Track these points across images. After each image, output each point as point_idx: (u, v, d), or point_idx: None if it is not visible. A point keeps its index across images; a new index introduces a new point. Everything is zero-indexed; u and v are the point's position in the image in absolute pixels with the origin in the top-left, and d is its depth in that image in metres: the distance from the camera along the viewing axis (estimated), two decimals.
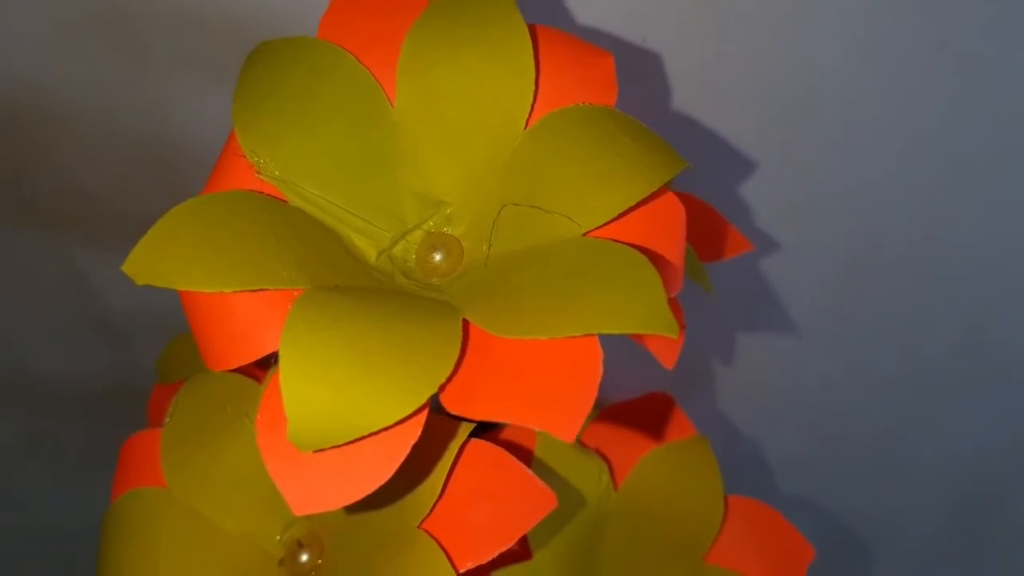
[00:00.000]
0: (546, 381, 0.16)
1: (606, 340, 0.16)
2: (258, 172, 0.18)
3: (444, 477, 0.20)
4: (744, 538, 0.25)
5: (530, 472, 0.20)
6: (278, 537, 0.22)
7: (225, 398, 0.22)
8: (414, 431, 0.16)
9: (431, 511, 0.20)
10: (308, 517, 0.22)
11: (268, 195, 0.18)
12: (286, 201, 0.18)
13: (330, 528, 0.22)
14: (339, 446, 0.15)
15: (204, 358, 0.18)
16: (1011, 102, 0.31)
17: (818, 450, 0.43)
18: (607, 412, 0.27)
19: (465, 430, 0.20)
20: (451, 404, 0.16)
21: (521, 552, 0.24)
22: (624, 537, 0.25)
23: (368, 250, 0.19)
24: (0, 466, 0.44)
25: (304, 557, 0.22)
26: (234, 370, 0.24)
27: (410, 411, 0.15)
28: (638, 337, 0.21)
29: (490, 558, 0.19)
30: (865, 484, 0.44)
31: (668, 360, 0.22)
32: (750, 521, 0.26)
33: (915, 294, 0.37)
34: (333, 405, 0.15)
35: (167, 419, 0.23)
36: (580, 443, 0.25)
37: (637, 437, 0.26)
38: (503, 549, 0.19)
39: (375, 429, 0.15)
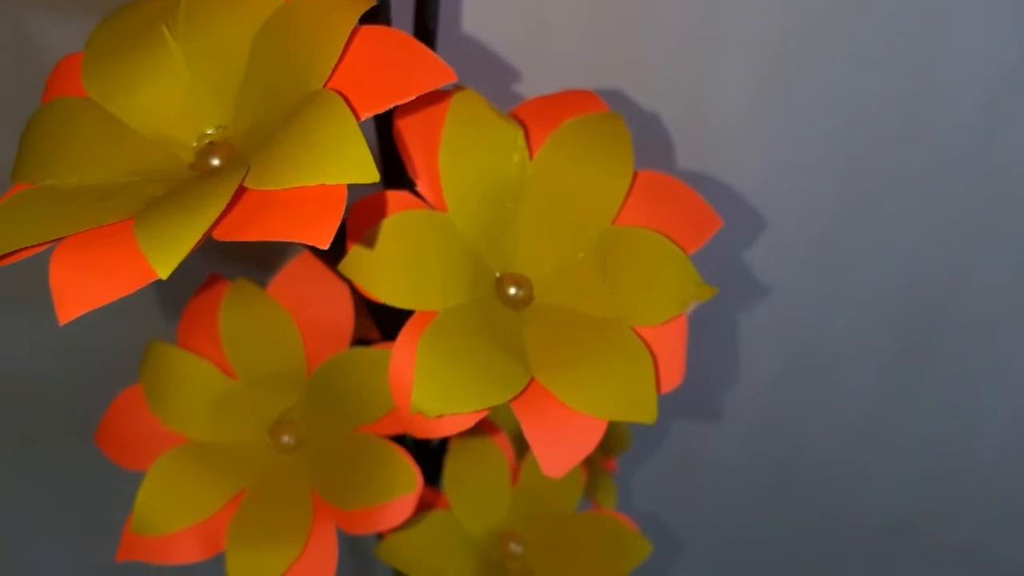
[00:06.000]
0: None
1: None
2: None
3: (343, 43, 0.20)
4: (653, 204, 0.26)
5: (431, 51, 0.21)
6: (194, 144, 0.23)
7: (149, 17, 0.23)
8: None
9: (331, 75, 0.20)
10: (223, 127, 0.23)
11: None
12: None
13: (242, 136, 0.22)
14: None
15: None
16: None
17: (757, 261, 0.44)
18: (529, 101, 0.27)
19: (360, 7, 0.21)
20: None
21: (436, 204, 0.25)
22: (538, 202, 0.26)
23: None
24: None
25: (215, 161, 0.22)
26: None
27: None
28: None
29: (387, 108, 0.20)
30: (812, 303, 0.45)
31: None
32: (660, 189, 0.26)
33: (845, 68, 0.37)
34: None
35: (89, 40, 0.23)
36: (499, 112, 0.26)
37: (555, 114, 0.27)
38: (401, 102, 0.20)
39: None
